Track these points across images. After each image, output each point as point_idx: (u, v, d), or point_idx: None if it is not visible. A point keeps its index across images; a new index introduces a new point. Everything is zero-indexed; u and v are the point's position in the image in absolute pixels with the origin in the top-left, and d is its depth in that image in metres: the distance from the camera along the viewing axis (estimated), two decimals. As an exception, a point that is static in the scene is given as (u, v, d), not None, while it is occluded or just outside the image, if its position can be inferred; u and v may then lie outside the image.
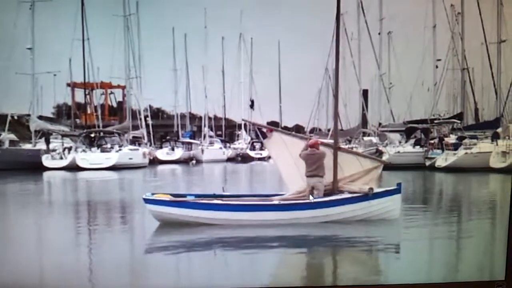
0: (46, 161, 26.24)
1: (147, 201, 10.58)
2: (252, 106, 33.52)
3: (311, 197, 10.61)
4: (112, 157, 27.14)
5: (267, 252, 9.04)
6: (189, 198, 10.87)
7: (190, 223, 10.34)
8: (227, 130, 36.49)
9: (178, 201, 10.65)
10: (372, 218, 10.69)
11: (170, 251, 9.25)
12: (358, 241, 9.78)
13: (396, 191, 10.90)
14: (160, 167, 29.69)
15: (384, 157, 25.36)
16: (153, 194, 10.80)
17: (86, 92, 30.93)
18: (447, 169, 23.97)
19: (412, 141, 28.04)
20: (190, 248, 9.44)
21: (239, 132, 35.78)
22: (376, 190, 10.88)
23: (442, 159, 24.81)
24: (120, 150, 28.03)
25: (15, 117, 28.17)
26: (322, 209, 10.52)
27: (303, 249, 9.32)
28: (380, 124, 29.22)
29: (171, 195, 10.90)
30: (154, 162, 30.13)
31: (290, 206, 10.53)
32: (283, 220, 10.30)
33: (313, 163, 10.77)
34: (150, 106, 33.56)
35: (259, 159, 33.67)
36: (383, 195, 10.86)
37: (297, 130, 28.54)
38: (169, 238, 10.04)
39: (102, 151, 27.76)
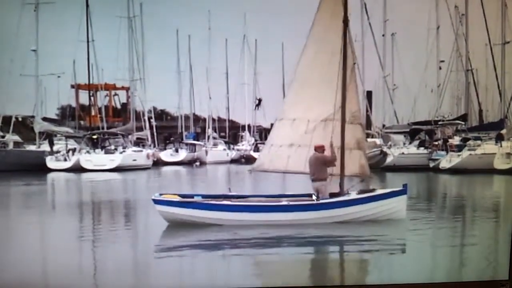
0: (50, 162, 26.14)
1: (156, 202, 10.61)
2: (258, 105, 33.44)
3: (314, 198, 10.72)
4: (116, 159, 27.05)
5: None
6: (197, 199, 10.90)
7: (199, 224, 10.39)
8: (230, 132, 36.49)
9: (188, 202, 10.69)
10: (378, 219, 10.76)
11: (176, 251, 9.32)
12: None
13: (402, 192, 11.01)
14: (164, 169, 29.66)
15: (389, 159, 25.51)
16: (161, 194, 10.84)
17: (90, 94, 30.97)
18: (451, 171, 23.93)
19: (416, 142, 28.00)
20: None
21: (243, 134, 35.76)
22: (383, 191, 11.09)
23: (446, 161, 24.78)
24: (124, 151, 27.93)
25: (19, 119, 28.14)
26: (330, 210, 10.57)
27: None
28: (384, 125, 29.20)
29: (179, 195, 10.93)
30: (158, 163, 30.08)
31: (298, 207, 10.57)
32: (291, 220, 10.35)
33: (316, 168, 10.94)
34: (154, 108, 33.49)
35: (263, 160, 33.54)
36: (390, 196, 10.94)
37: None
38: (176, 238, 10.10)
39: (106, 152, 27.69)
